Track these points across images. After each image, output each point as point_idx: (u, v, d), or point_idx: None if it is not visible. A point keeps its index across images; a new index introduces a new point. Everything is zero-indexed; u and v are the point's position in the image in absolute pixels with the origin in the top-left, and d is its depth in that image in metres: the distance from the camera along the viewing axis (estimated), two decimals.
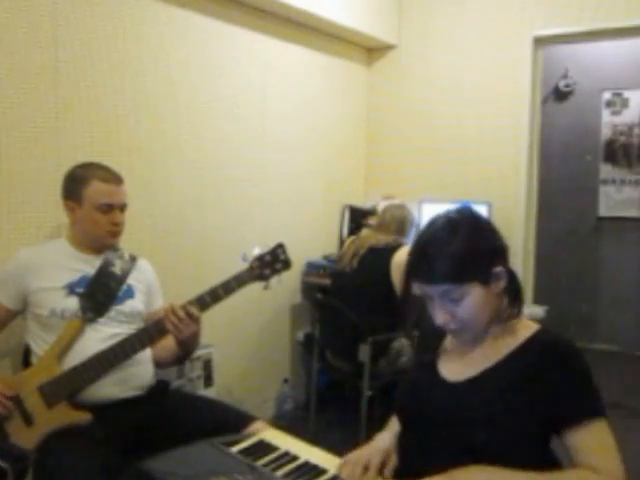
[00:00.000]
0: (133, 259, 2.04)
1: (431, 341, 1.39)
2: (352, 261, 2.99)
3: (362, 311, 2.83)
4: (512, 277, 1.27)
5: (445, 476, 1.13)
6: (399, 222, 3.06)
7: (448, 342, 1.36)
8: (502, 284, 1.24)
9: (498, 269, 1.22)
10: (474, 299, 1.20)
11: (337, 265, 3.19)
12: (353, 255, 3.00)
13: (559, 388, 1.16)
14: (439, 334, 1.36)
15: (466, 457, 1.16)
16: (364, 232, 3.23)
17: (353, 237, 3.29)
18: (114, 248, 2.01)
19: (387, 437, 1.40)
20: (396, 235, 3.02)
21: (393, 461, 1.33)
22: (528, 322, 1.29)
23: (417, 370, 1.41)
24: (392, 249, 2.91)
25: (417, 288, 1.24)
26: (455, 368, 1.29)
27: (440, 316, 1.22)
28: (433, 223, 1.26)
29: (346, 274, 3.01)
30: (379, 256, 2.92)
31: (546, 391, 1.16)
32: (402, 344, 2.86)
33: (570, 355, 1.19)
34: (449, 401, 1.25)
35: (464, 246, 1.19)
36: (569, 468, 1.17)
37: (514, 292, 1.28)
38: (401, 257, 2.87)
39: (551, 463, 1.22)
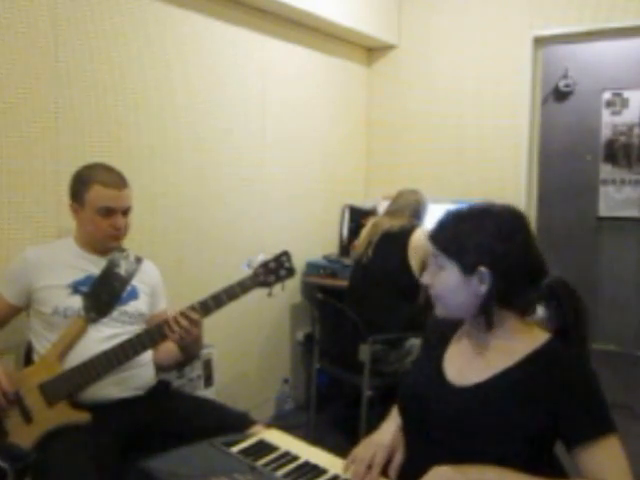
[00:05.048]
0: (138, 260, 2.04)
1: (438, 336, 1.38)
2: (367, 250, 2.91)
3: (381, 304, 2.78)
4: (509, 287, 1.22)
5: (455, 468, 1.12)
6: (413, 207, 2.98)
7: (455, 344, 1.35)
8: (484, 288, 1.21)
9: (482, 269, 1.20)
10: (448, 278, 1.24)
11: (354, 254, 3.11)
12: (368, 243, 2.92)
13: (569, 405, 1.14)
14: (445, 330, 1.37)
15: (466, 463, 1.14)
16: (378, 218, 3.11)
17: (373, 220, 3.12)
18: (120, 249, 2.01)
19: (392, 430, 1.37)
20: (411, 219, 2.93)
21: (398, 459, 1.32)
22: (539, 331, 1.26)
23: (422, 369, 1.39)
24: (408, 232, 2.82)
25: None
26: (461, 372, 1.28)
27: (427, 276, 1.31)
28: (476, 204, 1.34)
29: (362, 265, 2.93)
30: (395, 241, 2.84)
31: (555, 407, 1.14)
32: (413, 343, 2.80)
33: (579, 370, 1.17)
34: (454, 406, 1.23)
35: (468, 229, 1.25)
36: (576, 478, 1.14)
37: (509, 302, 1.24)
38: (418, 239, 2.79)
39: (555, 470, 1.20)
